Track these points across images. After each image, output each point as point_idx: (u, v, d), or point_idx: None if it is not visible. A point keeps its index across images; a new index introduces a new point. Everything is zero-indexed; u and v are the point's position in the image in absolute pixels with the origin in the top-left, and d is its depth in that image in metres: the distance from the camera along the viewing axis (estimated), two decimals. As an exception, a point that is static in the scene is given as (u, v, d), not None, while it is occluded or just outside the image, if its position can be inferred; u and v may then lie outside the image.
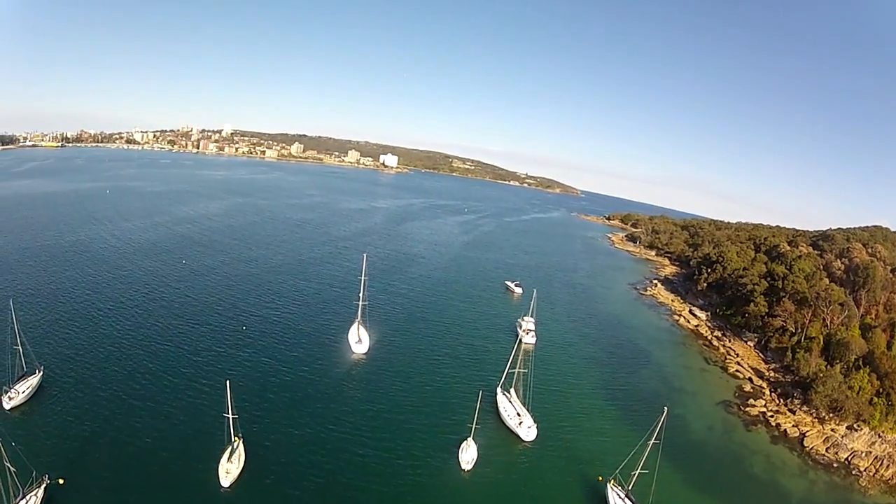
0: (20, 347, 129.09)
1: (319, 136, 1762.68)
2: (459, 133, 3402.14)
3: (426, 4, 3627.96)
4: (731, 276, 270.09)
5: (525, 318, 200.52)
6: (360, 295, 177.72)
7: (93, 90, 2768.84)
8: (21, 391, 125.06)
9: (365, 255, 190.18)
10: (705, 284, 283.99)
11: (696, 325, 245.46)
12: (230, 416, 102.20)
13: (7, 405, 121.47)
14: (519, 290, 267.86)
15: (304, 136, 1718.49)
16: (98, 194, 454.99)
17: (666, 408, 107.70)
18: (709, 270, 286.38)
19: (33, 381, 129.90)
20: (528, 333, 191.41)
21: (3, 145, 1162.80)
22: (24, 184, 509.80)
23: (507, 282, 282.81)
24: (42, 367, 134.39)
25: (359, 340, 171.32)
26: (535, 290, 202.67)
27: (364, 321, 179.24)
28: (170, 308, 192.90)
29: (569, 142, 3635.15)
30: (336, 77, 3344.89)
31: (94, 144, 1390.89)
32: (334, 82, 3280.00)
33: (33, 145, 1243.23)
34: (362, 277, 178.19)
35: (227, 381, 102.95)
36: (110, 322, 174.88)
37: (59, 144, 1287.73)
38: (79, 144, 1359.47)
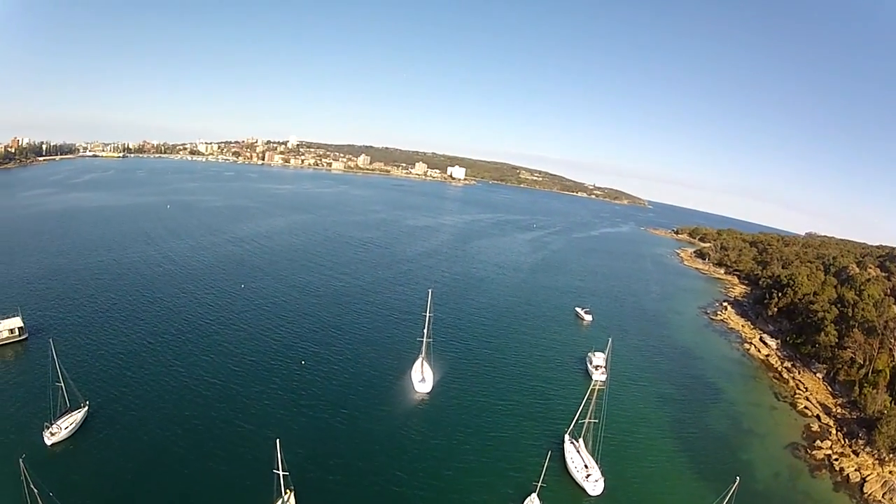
0: (62, 384, 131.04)
1: (386, 148, 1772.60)
2: (527, 143, 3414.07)
3: (493, 17, 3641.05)
4: (801, 301, 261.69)
5: (595, 354, 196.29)
6: (425, 332, 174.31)
7: (157, 101, 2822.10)
8: (64, 427, 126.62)
9: (431, 291, 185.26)
10: (776, 309, 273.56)
11: (766, 355, 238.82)
12: (281, 472, 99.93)
13: (49, 441, 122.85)
14: (589, 318, 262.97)
15: (371, 147, 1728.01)
16: (157, 210, 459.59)
17: (738, 478, 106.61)
18: (779, 294, 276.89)
19: (77, 416, 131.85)
20: (598, 370, 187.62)
21: (62, 155, 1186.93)
22: (81, 197, 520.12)
23: (577, 308, 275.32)
24: (87, 403, 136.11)
25: (422, 379, 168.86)
26: (609, 339, 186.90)
27: (428, 358, 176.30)
28: (223, 340, 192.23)
29: (637, 151, 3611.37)
30: (404, 88, 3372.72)
31: (156, 155, 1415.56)
32: (402, 93, 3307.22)
33: (93, 155, 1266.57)
34: (427, 314, 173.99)
35: (278, 440, 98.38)
36: (160, 355, 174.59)
37: (121, 155, 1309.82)
38: (141, 155, 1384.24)
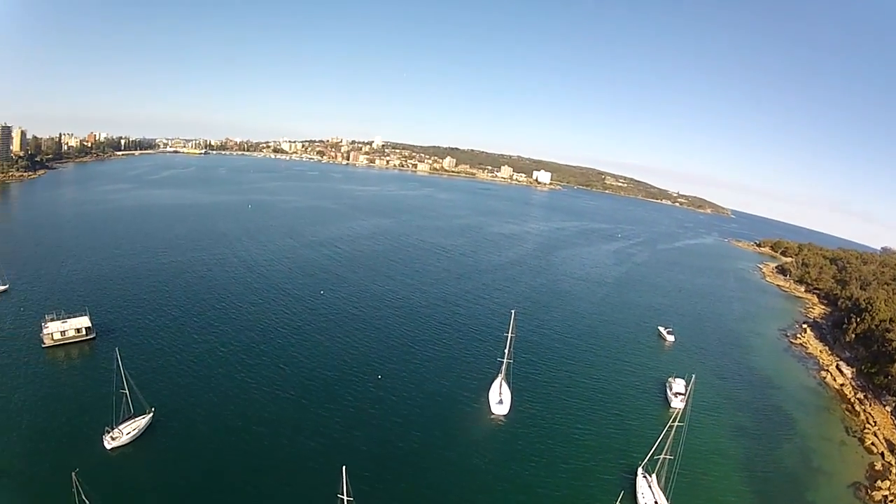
0: (127, 391, 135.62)
1: (472, 150, 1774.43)
2: (612, 148, 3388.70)
3: (580, 21, 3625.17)
4: (877, 327, 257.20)
5: (675, 380, 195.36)
6: (506, 352, 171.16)
7: (240, 99, 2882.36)
8: (126, 432, 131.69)
9: (514, 312, 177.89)
10: (853, 335, 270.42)
11: (841, 384, 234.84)
12: (346, 497, 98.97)
13: (108, 445, 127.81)
14: (671, 338, 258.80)
15: (457, 149, 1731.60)
16: (237, 210, 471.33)
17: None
18: (857, 319, 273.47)
19: (141, 422, 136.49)
20: (677, 397, 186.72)
21: (141, 150, 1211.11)
22: (158, 194, 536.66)
23: (659, 327, 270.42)
24: (153, 409, 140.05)
25: (500, 401, 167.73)
26: (693, 375, 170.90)
27: (507, 378, 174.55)
28: (297, 351, 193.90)
29: (722, 158, 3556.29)
30: (491, 90, 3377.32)
31: (239, 153, 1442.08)
32: (489, 96, 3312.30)
33: (174, 151, 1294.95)
34: (509, 335, 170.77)
35: (344, 466, 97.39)
36: (229, 364, 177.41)
37: (202, 152, 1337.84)
38: (223, 152, 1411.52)
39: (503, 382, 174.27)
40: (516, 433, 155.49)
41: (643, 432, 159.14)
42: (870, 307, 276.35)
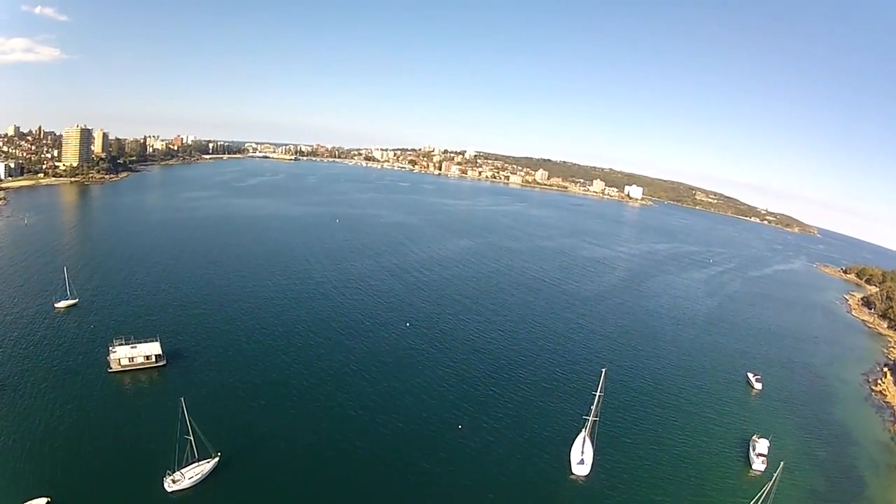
0: (191, 437, 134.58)
1: (564, 162, 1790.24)
2: (702, 159, 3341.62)
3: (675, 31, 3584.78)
4: None
5: (759, 440, 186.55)
6: (592, 409, 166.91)
7: (332, 103, 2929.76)
8: (188, 476, 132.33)
9: (604, 371, 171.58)
10: None
11: None
12: None
13: (169, 488, 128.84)
14: (759, 386, 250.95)
15: (549, 160, 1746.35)
16: (323, 226, 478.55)
17: None
18: None
19: (206, 467, 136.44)
20: (759, 458, 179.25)
21: (229, 154, 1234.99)
22: (244, 204, 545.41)
23: (748, 373, 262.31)
24: (219, 454, 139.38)
25: (581, 461, 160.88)
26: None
27: (591, 436, 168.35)
28: (376, 394, 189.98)
29: (809, 172, 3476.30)
30: (583, 102, 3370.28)
31: (330, 159, 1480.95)
32: (582, 109, 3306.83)
33: (264, 156, 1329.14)
34: (598, 393, 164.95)
35: None
36: (300, 405, 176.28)
37: (293, 158, 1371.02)
38: (314, 158, 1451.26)
39: (586, 440, 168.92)
40: (596, 498, 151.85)
41: (726, 499, 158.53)
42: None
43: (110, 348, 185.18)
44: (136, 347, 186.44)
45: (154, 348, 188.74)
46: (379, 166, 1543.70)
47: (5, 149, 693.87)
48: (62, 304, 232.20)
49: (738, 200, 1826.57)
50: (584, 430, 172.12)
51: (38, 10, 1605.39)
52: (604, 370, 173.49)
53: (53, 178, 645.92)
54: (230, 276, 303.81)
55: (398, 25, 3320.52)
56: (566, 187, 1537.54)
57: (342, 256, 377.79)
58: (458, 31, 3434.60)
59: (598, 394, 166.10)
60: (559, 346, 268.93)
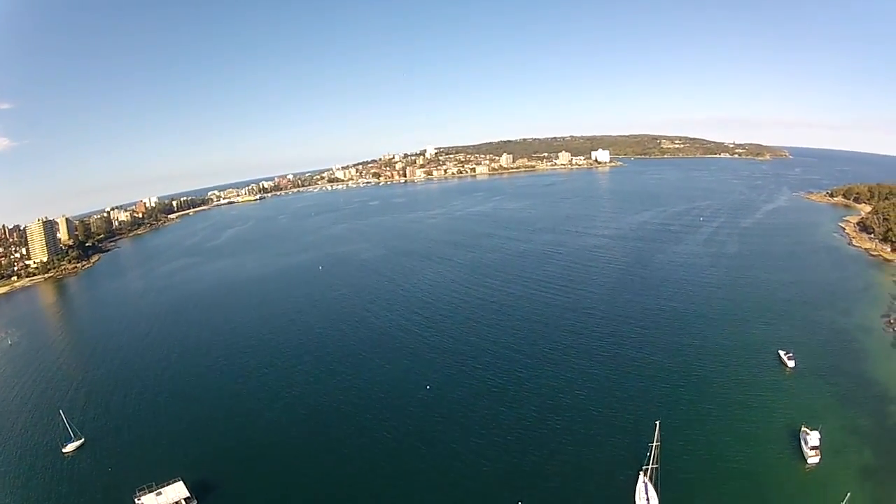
0: None
1: (524, 140, 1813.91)
2: (661, 107, 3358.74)
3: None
4: None
5: (809, 431, 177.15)
6: (651, 458, 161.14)
7: (284, 133, 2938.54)
8: None
9: (658, 424, 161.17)
10: None
11: None
12: None
13: None
14: (792, 364, 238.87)
15: (509, 141, 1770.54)
16: (309, 276, 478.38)
17: None
18: None
19: None
20: (812, 451, 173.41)
21: (194, 208, 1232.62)
22: (222, 268, 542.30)
23: (779, 351, 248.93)
24: None
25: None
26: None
27: (656, 482, 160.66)
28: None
29: (766, 95, 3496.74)
30: (528, 75, 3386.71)
31: (294, 190, 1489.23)
32: (528, 82, 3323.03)
33: (229, 202, 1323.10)
34: (654, 444, 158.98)
35: None
36: None
37: (257, 198, 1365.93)
38: (278, 193, 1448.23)
39: (647, 486, 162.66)
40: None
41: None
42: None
43: (135, 500, 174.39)
44: (161, 494, 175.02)
45: (180, 491, 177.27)
46: (344, 186, 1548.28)
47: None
48: (70, 447, 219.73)
49: (703, 140, 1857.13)
50: (641, 474, 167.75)
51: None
52: (657, 423, 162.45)
53: (27, 280, 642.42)
54: (237, 380, 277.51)
55: (333, 40, 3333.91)
56: (533, 166, 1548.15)
57: (341, 317, 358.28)
58: (393, 36, 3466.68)
59: (654, 444, 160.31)
60: (585, 380, 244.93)
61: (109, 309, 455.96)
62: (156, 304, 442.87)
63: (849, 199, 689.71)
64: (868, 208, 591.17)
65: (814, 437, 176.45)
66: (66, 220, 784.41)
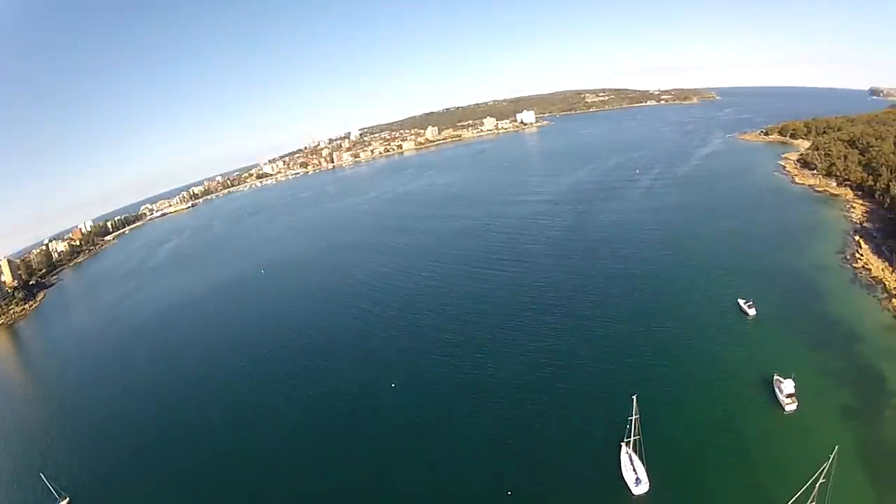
0: None
1: (447, 109, 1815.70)
2: (585, 61, 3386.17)
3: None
4: None
5: (783, 380, 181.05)
6: (630, 430, 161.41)
7: (207, 131, 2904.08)
8: None
9: (635, 397, 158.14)
10: None
11: None
12: None
13: None
14: (753, 312, 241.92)
15: (432, 113, 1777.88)
16: (252, 284, 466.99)
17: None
18: None
19: None
20: (788, 399, 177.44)
21: (129, 226, 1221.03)
22: (163, 289, 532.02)
23: (739, 300, 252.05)
24: None
25: (637, 479, 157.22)
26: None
27: (640, 453, 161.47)
28: None
29: (694, 42, 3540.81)
30: (440, 42, 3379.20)
31: (225, 191, 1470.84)
32: (444, 45, 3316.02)
33: (162, 214, 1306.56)
34: (633, 416, 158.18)
35: None
36: None
37: (189, 205, 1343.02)
38: (209, 197, 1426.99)
39: (632, 458, 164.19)
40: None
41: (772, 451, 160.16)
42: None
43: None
44: None
45: None
46: (273, 181, 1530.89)
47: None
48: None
49: (628, 90, 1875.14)
50: (622, 449, 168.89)
51: None
52: (634, 396, 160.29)
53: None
54: (203, 415, 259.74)
55: (252, 25, 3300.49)
56: (459, 136, 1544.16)
57: (294, 332, 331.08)
58: (301, 14, 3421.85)
59: (633, 417, 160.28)
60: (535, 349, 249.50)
61: (66, 351, 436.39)
62: (107, 340, 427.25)
63: (785, 136, 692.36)
64: (806, 144, 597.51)
65: (788, 385, 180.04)
66: (8, 261, 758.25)
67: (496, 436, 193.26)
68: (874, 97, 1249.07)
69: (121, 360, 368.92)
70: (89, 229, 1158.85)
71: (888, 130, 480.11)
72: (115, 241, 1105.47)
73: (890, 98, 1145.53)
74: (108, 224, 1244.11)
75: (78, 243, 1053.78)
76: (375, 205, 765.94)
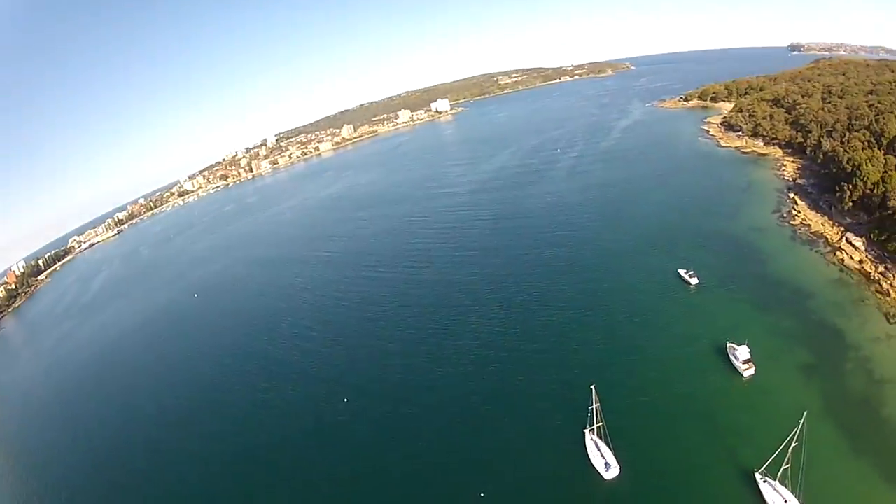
0: None
1: (360, 105, 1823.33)
2: (494, 43, 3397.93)
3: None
4: (873, 192, 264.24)
5: (737, 347, 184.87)
6: (590, 418, 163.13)
7: (117, 151, 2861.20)
8: None
9: (594, 387, 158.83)
10: (850, 203, 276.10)
11: (860, 262, 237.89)
12: None
13: None
14: (695, 281, 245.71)
15: (346, 111, 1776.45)
16: (184, 307, 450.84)
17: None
18: (850, 186, 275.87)
19: None
20: (744, 365, 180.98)
21: (59, 261, 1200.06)
22: (100, 324, 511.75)
23: (679, 270, 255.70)
24: None
25: (606, 464, 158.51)
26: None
27: (605, 438, 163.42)
28: None
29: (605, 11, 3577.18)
30: (353, 35, 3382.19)
31: (149, 214, 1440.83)
32: (353, 43, 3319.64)
33: (90, 244, 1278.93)
34: (594, 405, 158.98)
35: None
36: None
37: (115, 232, 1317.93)
38: (134, 221, 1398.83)
39: (597, 442, 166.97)
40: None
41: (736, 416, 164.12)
42: (857, 171, 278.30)
43: None
44: None
45: None
46: (195, 197, 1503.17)
47: None
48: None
49: (541, 68, 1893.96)
50: (587, 432, 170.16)
51: None
52: (593, 386, 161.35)
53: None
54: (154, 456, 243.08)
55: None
56: (376, 131, 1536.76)
57: (235, 361, 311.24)
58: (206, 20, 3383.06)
59: (593, 406, 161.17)
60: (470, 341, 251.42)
61: (12, 402, 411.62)
62: (51, 388, 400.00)
63: (706, 101, 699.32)
64: (728, 106, 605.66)
65: (743, 351, 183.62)
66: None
67: (458, 443, 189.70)
68: (794, 52, 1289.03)
69: (67, 408, 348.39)
70: (22, 270, 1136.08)
71: (814, 87, 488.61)
72: (48, 279, 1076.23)
73: (811, 52, 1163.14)
74: (40, 262, 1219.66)
75: (13, 286, 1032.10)
76: (298, 213, 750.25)
